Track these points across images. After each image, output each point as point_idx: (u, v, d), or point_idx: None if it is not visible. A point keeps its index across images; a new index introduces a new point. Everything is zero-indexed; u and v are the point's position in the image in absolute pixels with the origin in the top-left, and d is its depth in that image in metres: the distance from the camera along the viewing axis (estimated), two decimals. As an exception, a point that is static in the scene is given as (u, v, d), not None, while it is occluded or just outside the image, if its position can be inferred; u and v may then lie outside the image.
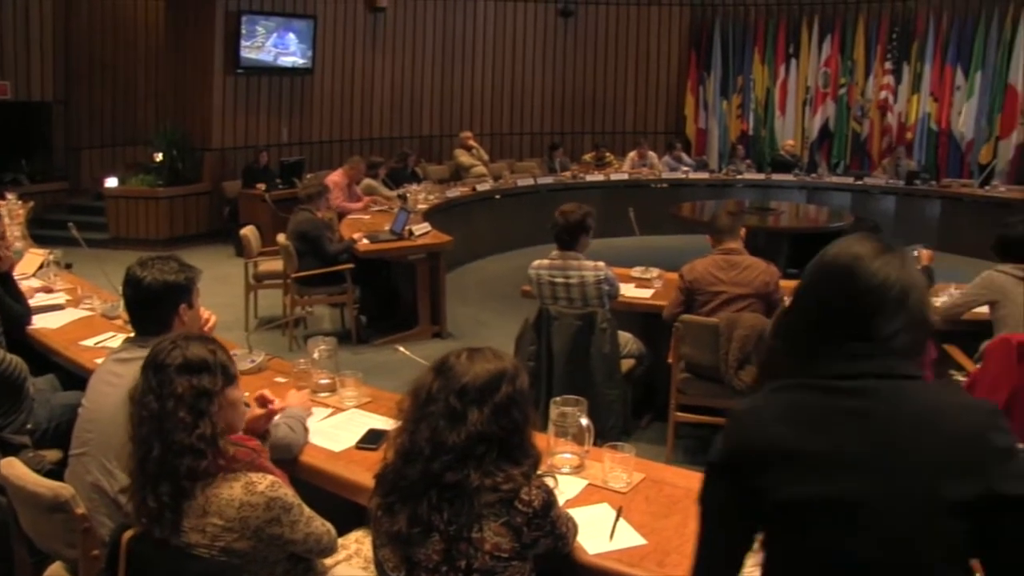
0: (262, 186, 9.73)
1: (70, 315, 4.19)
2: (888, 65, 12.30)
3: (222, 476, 1.94)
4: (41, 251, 5.29)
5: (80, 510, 2.22)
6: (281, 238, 6.55)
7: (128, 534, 1.99)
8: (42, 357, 3.77)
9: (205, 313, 2.98)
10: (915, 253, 4.78)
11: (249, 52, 10.64)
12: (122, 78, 11.87)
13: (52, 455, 3.08)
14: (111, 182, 10.34)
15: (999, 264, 4.18)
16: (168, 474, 1.90)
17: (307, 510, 2.06)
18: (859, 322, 1.36)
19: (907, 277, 1.38)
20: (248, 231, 7.06)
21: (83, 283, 4.76)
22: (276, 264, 6.84)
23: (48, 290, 4.61)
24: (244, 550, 1.93)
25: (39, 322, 4.02)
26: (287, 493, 2.00)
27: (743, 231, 4.50)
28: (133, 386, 2.02)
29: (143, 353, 2.11)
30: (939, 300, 4.59)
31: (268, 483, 1.97)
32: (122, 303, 3.33)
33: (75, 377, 3.54)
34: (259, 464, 2.04)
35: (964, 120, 11.74)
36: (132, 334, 2.67)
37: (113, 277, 3.99)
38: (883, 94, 12.36)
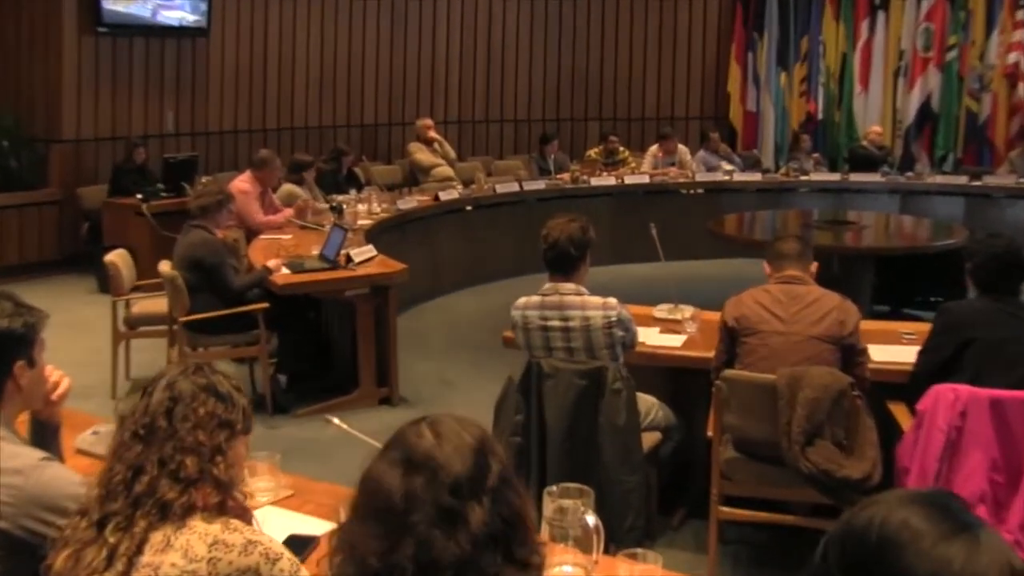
0: (138, 195, 9.73)
1: None
2: (1020, 16, 12.37)
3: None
4: None
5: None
6: (165, 267, 6.54)
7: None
8: None
9: (54, 374, 2.95)
10: None
11: (116, 3, 10.61)
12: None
13: None
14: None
15: None
16: (157, 506, 2.02)
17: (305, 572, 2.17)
18: None
19: None
20: (117, 257, 7.05)
21: None
22: (158, 303, 6.82)
23: None
24: None
25: None
26: (274, 544, 2.14)
27: (815, 265, 4.54)
28: (125, 407, 2.18)
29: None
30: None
31: (253, 529, 2.11)
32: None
33: None
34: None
35: None
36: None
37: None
38: (1012, 57, 12.39)
